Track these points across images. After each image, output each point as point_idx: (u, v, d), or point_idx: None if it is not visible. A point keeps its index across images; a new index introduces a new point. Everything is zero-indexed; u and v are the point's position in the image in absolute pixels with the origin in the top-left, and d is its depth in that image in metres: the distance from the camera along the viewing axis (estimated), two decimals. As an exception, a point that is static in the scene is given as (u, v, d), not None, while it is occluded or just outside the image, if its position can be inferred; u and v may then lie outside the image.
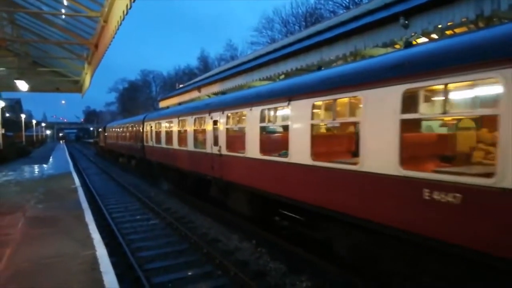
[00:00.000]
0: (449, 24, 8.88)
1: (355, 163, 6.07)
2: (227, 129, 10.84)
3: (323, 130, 8.20)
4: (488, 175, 4.21)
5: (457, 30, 10.25)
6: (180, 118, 14.90)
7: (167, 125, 16.77)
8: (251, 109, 9.29)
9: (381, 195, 5.53)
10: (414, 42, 10.73)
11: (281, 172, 8.17)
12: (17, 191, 14.37)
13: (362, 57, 11.25)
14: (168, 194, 16.66)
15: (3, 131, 35.49)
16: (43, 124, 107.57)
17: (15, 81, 16.74)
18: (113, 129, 33.84)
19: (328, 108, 7.39)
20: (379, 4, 11.94)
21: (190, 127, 13.69)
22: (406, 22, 9.49)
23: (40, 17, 13.59)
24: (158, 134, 18.23)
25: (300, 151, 7.39)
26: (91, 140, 75.31)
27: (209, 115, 11.89)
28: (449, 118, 5.65)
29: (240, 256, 8.49)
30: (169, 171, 16.93)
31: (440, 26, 8.98)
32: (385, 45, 10.92)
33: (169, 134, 16.45)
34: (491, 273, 4.25)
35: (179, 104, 29.04)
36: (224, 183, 11.05)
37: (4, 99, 34.73)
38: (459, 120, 5.85)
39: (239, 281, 6.99)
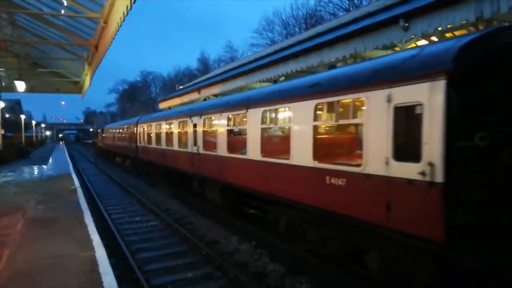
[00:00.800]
0: (449, 26, 8.90)
1: (287, 159, 7.94)
2: (203, 131, 12.75)
3: (270, 133, 9.79)
4: (359, 165, 6.09)
5: (457, 33, 10.29)
6: (167, 121, 16.91)
7: (157, 127, 18.68)
8: (221, 115, 11.30)
9: (302, 181, 7.53)
10: (414, 45, 10.78)
11: (241, 167, 10.13)
12: (17, 192, 14.36)
13: (362, 59, 11.28)
14: (168, 196, 16.65)
15: (2, 132, 35.48)
16: (43, 125, 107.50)
17: (14, 81, 16.74)
18: (110, 131, 35.97)
19: (271, 115, 9.14)
20: (379, 6, 11.98)
21: (175, 129, 15.64)
22: (406, 24, 9.51)
23: (40, 18, 13.62)
24: (149, 135, 20.26)
25: (254, 150, 9.35)
26: (90, 141, 75.96)
27: (190, 119, 13.78)
28: (337, 124, 7.46)
29: (240, 257, 8.48)
30: (159, 168, 18.85)
31: (440, 28, 9.01)
32: (385, 48, 10.96)
33: (158, 135, 18.39)
34: (364, 229, 6.08)
35: (180, 105, 29.12)
36: (202, 177, 12.92)
37: (4, 100, 34.69)
38: (346, 126, 7.68)
39: (239, 282, 6.98)
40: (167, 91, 72.71)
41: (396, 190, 5.35)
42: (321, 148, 7.36)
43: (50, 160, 32.99)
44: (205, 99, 19.91)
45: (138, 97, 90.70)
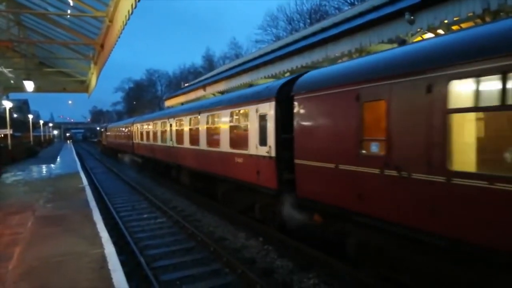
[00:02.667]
0: (455, 19, 8.81)
1: (217, 148, 11.98)
2: (176, 129, 16.73)
3: (211, 131, 12.88)
4: (246, 149, 9.93)
5: (463, 25, 10.16)
6: (153, 122, 21.01)
7: (146, 126, 22.90)
8: (186, 117, 15.37)
9: (225, 161, 11.38)
10: (420, 38, 10.68)
11: (197, 155, 13.99)
12: (26, 191, 14.53)
13: (367, 53, 11.20)
14: (175, 193, 16.75)
15: (11, 132, 35.83)
16: (50, 124, 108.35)
17: (23, 81, 16.89)
18: (112, 130, 40.47)
19: (212, 118, 12.68)
20: (385, 0, 11.87)
21: (158, 128, 19.71)
22: (412, 17, 9.43)
23: (46, 18, 13.71)
24: (141, 133, 24.24)
25: (203, 142, 13.36)
26: (96, 140, 77.07)
27: (168, 120, 17.91)
28: (238, 125, 10.97)
29: (247, 253, 8.52)
30: (149, 161, 22.96)
31: (446, 21, 8.92)
32: (390, 41, 10.87)
33: (148, 133, 22.38)
34: (250, 187, 10.02)
35: (184, 103, 29.26)
36: (177, 166, 17.03)
37: (11, 100, 35.02)
38: (242, 126, 10.69)
39: (247, 278, 7.01)
40: (172, 89, 72.86)
41: (260, 162, 9.39)
42: (232, 140, 11.11)
43: (58, 159, 33.28)
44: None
45: (144, 95, 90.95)
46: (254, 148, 9.56)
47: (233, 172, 10.90)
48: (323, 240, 8.10)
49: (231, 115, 11.14)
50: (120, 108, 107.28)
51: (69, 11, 12.33)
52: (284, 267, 7.62)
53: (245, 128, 10.32)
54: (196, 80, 39.36)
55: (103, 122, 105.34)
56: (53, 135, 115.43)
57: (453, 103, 4.75)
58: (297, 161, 8.01)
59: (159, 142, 19.51)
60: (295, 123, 8.11)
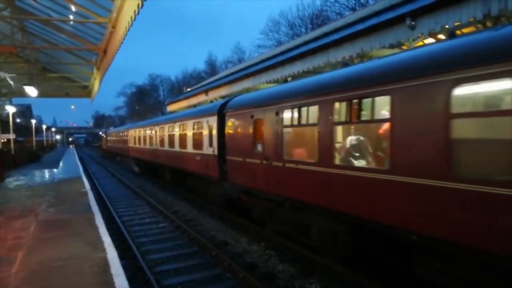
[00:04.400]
0: (456, 24, 8.84)
1: (186, 149, 15.44)
2: (159, 135, 20.33)
3: (182, 136, 16.21)
4: (202, 150, 13.47)
5: (465, 30, 10.21)
6: (143, 128, 24.91)
7: (138, 132, 26.60)
8: (165, 125, 19.24)
9: (189, 160, 14.96)
10: (421, 43, 10.73)
11: (174, 156, 17.46)
12: (29, 196, 14.58)
13: (369, 58, 11.24)
14: (176, 198, 16.77)
15: (14, 136, 35.97)
16: (53, 129, 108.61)
17: (23, 86, 17.00)
18: (111, 135, 45.25)
19: (183, 126, 16.10)
20: (386, 5, 11.92)
21: (148, 134, 23.30)
22: (413, 23, 9.47)
23: (50, 24, 13.82)
24: (134, 138, 28.04)
25: (177, 145, 16.85)
26: (98, 144, 78.20)
27: (153, 127, 21.83)
28: (198, 132, 14.21)
29: (249, 258, 8.52)
30: (140, 162, 26.86)
31: (447, 26, 8.95)
32: (392, 46, 10.91)
33: (139, 138, 26.10)
34: (204, 178, 13.86)
35: (187, 107, 29.44)
36: (161, 165, 20.71)
37: (14, 105, 35.18)
38: (200, 133, 13.83)
39: (248, 283, 7.01)
40: (174, 94, 73.06)
41: (209, 159, 12.78)
42: (194, 143, 14.51)
43: (61, 164, 33.37)
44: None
45: (146, 100, 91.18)
46: (206, 149, 13.10)
47: (194, 167, 14.59)
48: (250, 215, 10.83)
49: (194, 124, 14.59)
50: (122, 113, 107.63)
51: (72, 17, 12.44)
52: (285, 272, 7.62)
53: (201, 134, 13.69)
54: (198, 85, 39.49)
55: (106, 127, 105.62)
56: (56, 140, 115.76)
57: (286, 122, 8.44)
58: (227, 157, 11.48)
59: (147, 146, 23.25)
60: (226, 131, 11.63)
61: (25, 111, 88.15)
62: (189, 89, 42.09)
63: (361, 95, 6.24)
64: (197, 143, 13.98)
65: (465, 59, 4.56)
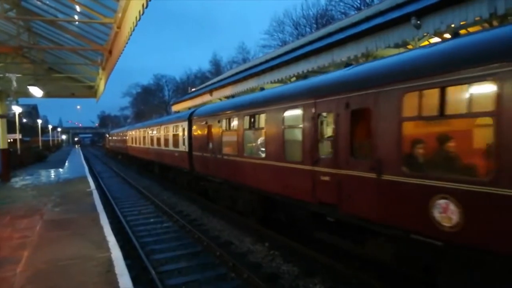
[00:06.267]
0: (462, 23, 8.77)
1: (169, 148, 19.05)
2: (150, 135, 24.08)
3: (166, 136, 19.65)
4: (178, 148, 17.41)
5: (471, 29, 10.12)
6: (139, 130, 28.50)
7: (135, 133, 30.17)
8: (154, 128, 23.18)
9: (167, 156, 19.56)
10: (427, 42, 10.65)
11: (160, 153, 21.22)
12: (34, 195, 14.68)
13: (374, 58, 11.18)
14: (181, 198, 16.80)
15: (20, 136, 36.26)
16: (59, 129, 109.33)
17: (28, 87, 17.10)
18: (113, 135, 50.13)
19: (163, 129, 20.42)
20: (391, 5, 11.87)
21: (141, 134, 27.05)
22: (418, 22, 9.41)
23: (55, 25, 13.87)
24: (132, 138, 31.63)
25: (162, 144, 20.62)
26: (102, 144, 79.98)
27: (145, 129, 25.81)
28: (174, 133, 18.41)
29: (253, 258, 8.51)
30: (137, 159, 30.34)
31: (453, 25, 8.88)
32: (397, 46, 10.84)
33: (136, 138, 29.62)
34: (181, 171, 17.86)
35: (191, 107, 29.60)
36: (152, 161, 24.58)
37: (21, 105, 35.45)
38: (177, 135, 17.69)
39: (252, 283, 7.00)
40: (179, 94, 73.20)
41: (183, 155, 16.38)
42: (174, 142, 18.10)
43: (66, 164, 33.58)
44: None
45: (151, 100, 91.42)
46: (181, 147, 16.89)
47: (174, 161, 18.23)
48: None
49: (173, 128, 18.44)
50: (128, 113, 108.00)
51: (77, 18, 12.48)
52: (290, 273, 7.60)
53: (177, 136, 17.52)
54: (203, 85, 39.55)
55: (111, 127, 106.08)
56: (62, 140, 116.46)
57: (223, 128, 12.24)
58: (193, 153, 15.25)
59: (141, 145, 27.20)
60: (192, 133, 15.36)
61: (32, 111, 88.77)
62: (193, 89, 42.17)
63: (255, 112, 10.17)
64: (175, 143, 17.83)
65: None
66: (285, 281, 7.21)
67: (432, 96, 4.92)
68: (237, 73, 25.60)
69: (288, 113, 8.38)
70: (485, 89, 4.44)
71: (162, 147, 20.38)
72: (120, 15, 9.96)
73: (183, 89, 74.92)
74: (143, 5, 7.93)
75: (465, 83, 4.59)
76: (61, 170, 27.05)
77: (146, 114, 79.12)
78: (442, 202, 4.73)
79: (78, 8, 11.50)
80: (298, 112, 7.92)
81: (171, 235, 10.81)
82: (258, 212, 10.63)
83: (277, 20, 59.96)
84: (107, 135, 60.73)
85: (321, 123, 7.45)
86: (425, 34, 9.86)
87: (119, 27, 10.57)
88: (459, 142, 5.13)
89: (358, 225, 6.35)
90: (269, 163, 9.06)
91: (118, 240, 8.21)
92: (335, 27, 16.37)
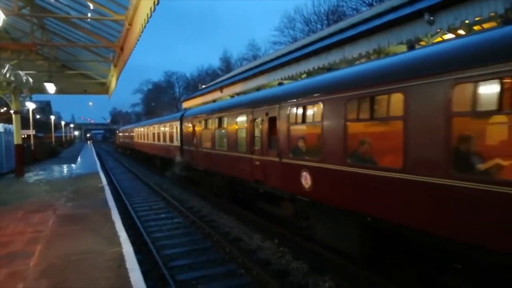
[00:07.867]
0: (476, 19, 8.61)
1: (166, 143, 22.64)
2: (152, 132, 27.25)
3: (164, 133, 23.09)
4: (173, 143, 20.96)
5: (485, 25, 9.93)
6: (144, 127, 32.00)
7: (141, 129, 33.30)
8: (156, 125, 26.29)
9: (163, 149, 23.65)
10: (440, 39, 10.48)
11: (161, 148, 24.27)
12: (48, 190, 14.91)
13: (386, 54, 11.06)
14: (191, 194, 16.90)
15: (34, 132, 36.83)
16: (72, 125, 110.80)
17: (44, 83, 17.34)
18: (122, 132, 54.61)
19: (164, 127, 23.47)
20: (403, 0, 11.70)
21: (146, 131, 30.52)
22: (431, 18, 9.26)
23: (68, 22, 14.03)
24: (138, 135, 34.90)
25: (162, 140, 24.04)
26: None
27: (149, 127, 29.04)
28: (168, 130, 22.41)
29: (263, 255, 8.52)
30: (143, 153, 32.99)
31: (467, 21, 8.73)
32: (409, 42, 10.68)
33: (141, 135, 32.92)
34: (175, 162, 20.05)
35: (203, 104, 29.71)
36: (154, 155, 27.23)
37: (34, 101, 36.00)
38: (171, 132, 21.57)
39: (262, 280, 7.01)
40: (190, 91, 73.49)
41: (175, 150, 19.96)
42: (169, 138, 21.60)
43: (79, 159, 34.03)
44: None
45: (162, 97, 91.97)
46: (175, 142, 20.06)
47: (170, 155, 20.94)
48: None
49: (170, 126, 21.51)
50: (139, 110, 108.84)
51: (89, 15, 12.59)
52: (299, 269, 7.60)
53: (172, 133, 20.63)
54: (213, 82, 39.63)
55: (122, 123, 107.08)
56: (74, 136, 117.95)
57: (202, 127, 15.64)
58: (184, 147, 18.32)
59: (145, 141, 30.62)
60: (183, 130, 18.48)
61: (45, 108, 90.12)
62: (204, 86, 42.28)
63: (221, 116, 13.12)
64: (171, 138, 21.23)
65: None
66: (295, 278, 7.20)
67: (303, 108, 8.22)
68: (247, 70, 25.59)
69: (239, 118, 11.59)
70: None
71: (161, 142, 23.88)
72: (131, 12, 10.03)
73: (193, 85, 75.21)
74: (154, 2, 7.97)
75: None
76: (73, 165, 27.43)
77: (157, 110, 79.60)
78: (304, 173, 7.86)
79: (90, 6, 11.60)
80: (244, 117, 11.14)
81: (182, 231, 10.89)
82: (228, 193, 13.45)
83: (288, 17, 59.71)
84: (117, 132, 65.81)
85: (256, 125, 10.33)
86: (438, 30, 9.71)
87: (130, 24, 10.65)
88: (309, 139, 8.34)
89: (274, 193, 9.66)
90: (230, 153, 12.24)
91: (129, 235, 8.29)
92: (346, 24, 16.22)
